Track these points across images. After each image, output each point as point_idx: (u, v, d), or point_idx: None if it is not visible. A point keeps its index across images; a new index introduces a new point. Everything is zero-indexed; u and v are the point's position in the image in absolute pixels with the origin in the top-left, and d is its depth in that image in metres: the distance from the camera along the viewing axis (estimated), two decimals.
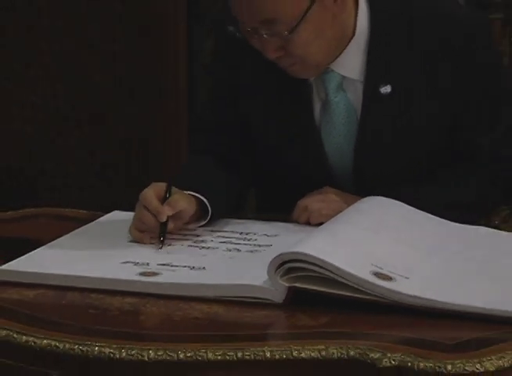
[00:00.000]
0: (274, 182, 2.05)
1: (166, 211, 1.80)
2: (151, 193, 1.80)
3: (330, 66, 1.93)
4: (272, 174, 2.04)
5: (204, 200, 1.90)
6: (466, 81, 1.89)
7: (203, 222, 1.92)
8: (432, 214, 1.79)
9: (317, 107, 1.96)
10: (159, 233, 1.85)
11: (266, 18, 1.78)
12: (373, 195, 1.81)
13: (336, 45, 1.91)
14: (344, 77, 1.92)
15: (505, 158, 1.95)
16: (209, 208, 1.91)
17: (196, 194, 1.90)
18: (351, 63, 1.92)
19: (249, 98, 1.97)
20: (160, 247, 1.84)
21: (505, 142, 1.94)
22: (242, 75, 1.97)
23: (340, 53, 1.91)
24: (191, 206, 1.89)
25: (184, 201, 1.87)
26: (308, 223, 1.86)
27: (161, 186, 1.83)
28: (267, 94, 1.96)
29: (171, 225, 1.84)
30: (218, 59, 2.07)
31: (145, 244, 1.82)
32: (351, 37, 1.92)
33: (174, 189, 1.87)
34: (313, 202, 1.88)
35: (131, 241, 1.81)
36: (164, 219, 1.80)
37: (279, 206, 1.96)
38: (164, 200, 1.83)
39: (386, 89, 1.90)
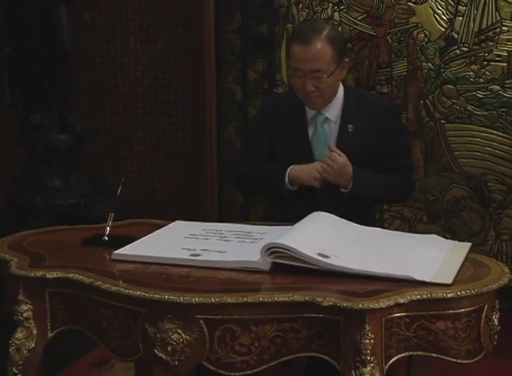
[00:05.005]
0: None
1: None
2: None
3: (322, 110, 2.15)
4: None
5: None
6: (388, 134, 2.14)
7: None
8: (373, 185, 2.06)
9: (310, 133, 2.19)
10: None
11: (315, 68, 2.05)
12: None
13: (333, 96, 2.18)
14: (327, 118, 2.17)
15: (401, 171, 2.17)
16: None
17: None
18: (333, 111, 2.16)
19: (276, 132, 2.18)
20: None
21: (405, 165, 2.18)
22: (272, 122, 2.19)
23: (328, 104, 2.16)
24: None
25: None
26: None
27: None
28: (285, 128, 2.18)
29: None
30: (261, 116, 2.30)
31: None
32: (335, 96, 2.16)
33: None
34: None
35: (185, 237, 1.82)
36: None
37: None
38: None
39: (350, 127, 2.13)
